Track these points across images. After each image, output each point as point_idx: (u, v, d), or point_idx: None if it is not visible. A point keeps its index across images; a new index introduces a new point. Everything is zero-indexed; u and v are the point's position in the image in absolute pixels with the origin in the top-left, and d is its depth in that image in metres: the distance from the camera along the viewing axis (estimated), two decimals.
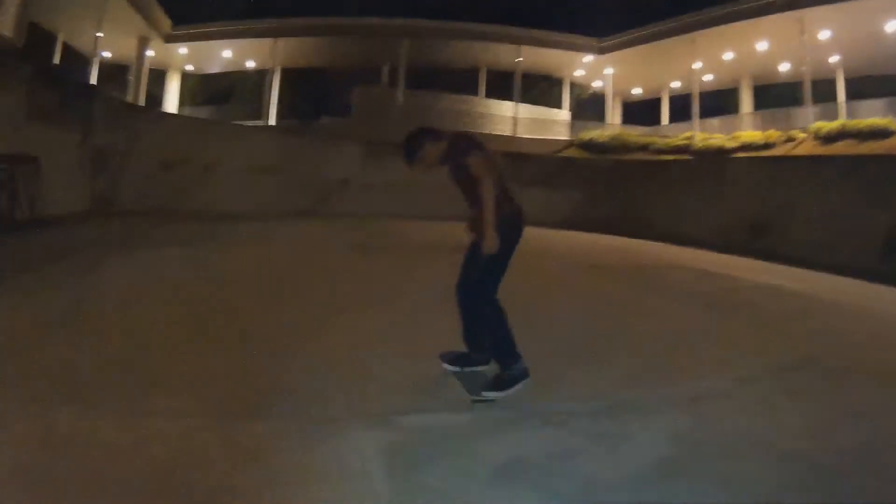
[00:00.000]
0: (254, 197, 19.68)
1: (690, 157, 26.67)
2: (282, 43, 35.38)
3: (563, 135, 36.31)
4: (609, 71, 36.65)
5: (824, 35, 26.59)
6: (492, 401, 3.85)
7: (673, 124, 36.73)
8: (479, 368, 4.30)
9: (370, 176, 22.64)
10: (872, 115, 23.97)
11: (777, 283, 10.62)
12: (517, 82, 36.15)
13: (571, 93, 41.57)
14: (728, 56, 30.97)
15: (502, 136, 33.39)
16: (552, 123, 37.26)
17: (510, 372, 3.97)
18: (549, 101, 40.29)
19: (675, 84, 37.87)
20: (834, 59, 28.41)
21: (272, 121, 36.39)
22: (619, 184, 23.39)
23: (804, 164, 20.23)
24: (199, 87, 42.26)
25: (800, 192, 19.03)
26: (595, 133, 33.78)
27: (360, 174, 22.72)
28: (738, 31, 28.46)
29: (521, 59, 35.55)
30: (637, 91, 40.51)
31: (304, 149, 22.22)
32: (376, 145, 23.75)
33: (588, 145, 32.48)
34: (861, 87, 28.98)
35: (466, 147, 4.20)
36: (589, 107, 42.23)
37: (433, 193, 23.79)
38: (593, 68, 37.79)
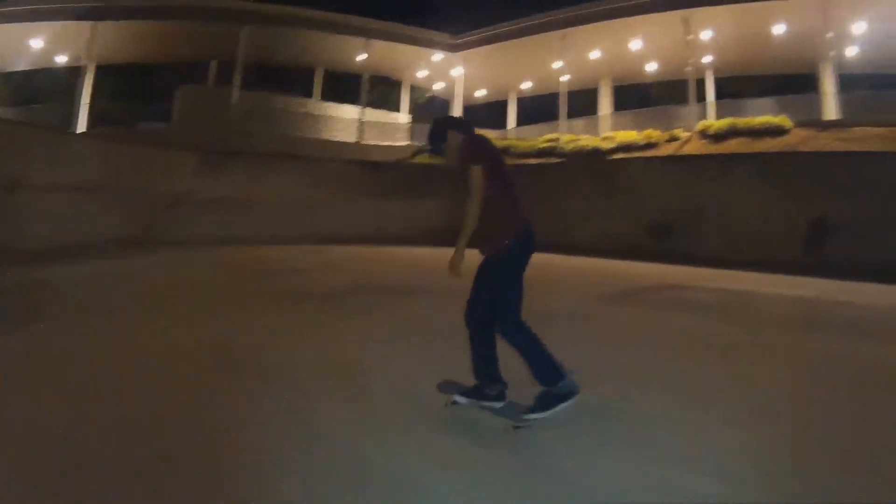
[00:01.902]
0: (68, 223, 14.60)
1: (561, 160, 23.53)
2: (100, 30, 27.03)
3: (405, 140, 31.58)
4: (459, 71, 32.28)
5: (706, 35, 24.38)
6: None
7: (521, 127, 33.54)
8: (493, 404, 3.98)
9: (208, 191, 18.55)
10: (758, 113, 21.84)
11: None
12: (364, 83, 30.80)
13: (411, 96, 37.27)
14: (594, 55, 27.79)
15: (347, 143, 28.40)
16: (394, 129, 32.53)
17: (555, 388, 3.80)
18: (388, 105, 35.54)
19: (526, 85, 34.68)
20: (708, 58, 26.15)
21: (83, 127, 28.43)
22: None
23: (712, 163, 18.88)
24: None
25: (709, 191, 18.17)
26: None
27: (197, 189, 18.44)
28: (612, 28, 25.51)
29: (366, 56, 30.11)
30: (481, 93, 36.58)
31: (127, 160, 17.40)
32: (213, 154, 19.49)
33: None
34: (736, 87, 27.76)
35: (477, 152, 3.95)
36: (428, 110, 38.46)
37: (284, 210, 19.72)
38: (439, 69, 33.24)
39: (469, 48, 31.06)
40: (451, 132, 4.12)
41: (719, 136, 20.87)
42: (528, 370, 3.86)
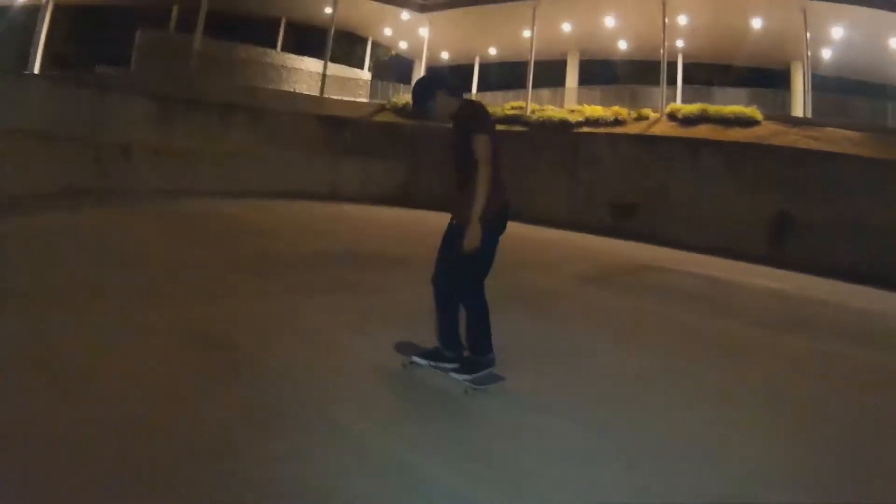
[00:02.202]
0: (13, 170, 13.08)
1: (525, 129, 22.83)
2: None
3: (365, 97, 30.62)
4: (425, 32, 31.04)
5: (680, 19, 23.85)
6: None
7: (485, 92, 32.30)
8: (450, 366, 3.96)
9: (165, 140, 17.30)
10: (727, 102, 21.61)
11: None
12: (329, 36, 28.94)
13: (373, 53, 35.90)
14: (564, 27, 26.90)
15: (308, 96, 27.08)
16: (356, 85, 31.43)
17: (482, 357, 3.89)
18: (351, 61, 34.00)
19: (492, 51, 33.55)
20: (680, 43, 25.79)
21: (37, 70, 26.52)
22: (446, 153, 19.34)
23: (681, 147, 18.42)
24: None
25: (676, 174, 17.86)
26: (410, 97, 27.78)
27: (153, 138, 17.12)
28: (584, 1, 24.74)
29: (332, 9, 28.31)
30: (446, 56, 35.28)
31: (82, 105, 16.15)
32: (171, 102, 18.30)
33: (404, 110, 26.55)
34: (706, 74, 27.49)
35: (482, 121, 3.86)
36: (389, 69, 37.67)
37: (241, 163, 18.72)
38: (405, 28, 31.92)
39: (437, 10, 29.85)
40: (440, 93, 3.96)
41: (689, 121, 20.50)
42: (466, 334, 3.97)
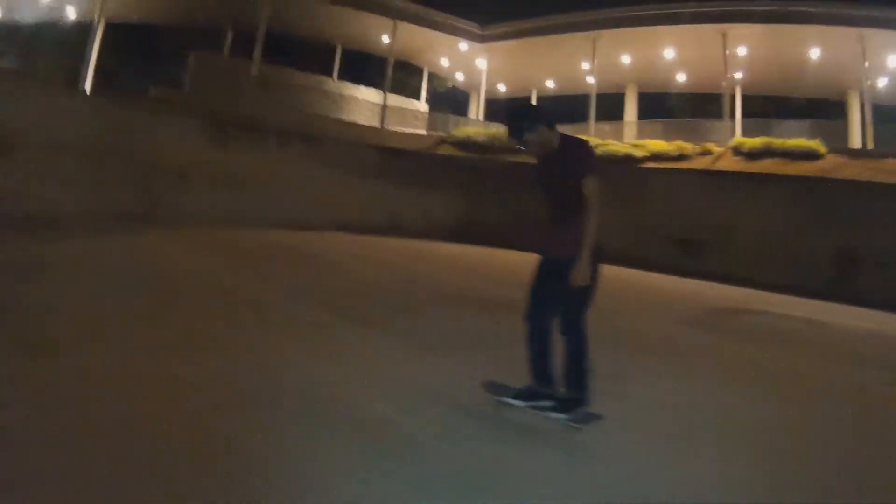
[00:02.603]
0: (60, 189, 13.61)
1: None
2: None
3: (422, 129, 30.31)
4: (483, 63, 31.68)
5: (739, 51, 24.44)
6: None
7: None
8: (548, 405, 3.94)
9: (220, 165, 17.60)
10: (786, 134, 22.16)
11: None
12: (388, 66, 29.39)
13: (429, 84, 36.23)
14: (622, 59, 27.58)
15: (368, 126, 27.02)
16: (413, 116, 31.13)
17: (580, 395, 3.86)
18: (406, 91, 34.08)
19: (549, 83, 34.10)
20: (738, 75, 26.26)
21: (88, 87, 26.69)
22: (509, 188, 20.13)
23: (747, 182, 18.78)
24: None
25: (742, 209, 17.86)
26: (471, 130, 28.21)
27: (208, 163, 17.46)
28: (642, 35, 25.50)
29: (390, 37, 29.01)
30: (502, 88, 35.88)
31: (131, 124, 16.32)
32: (226, 127, 18.47)
33: (464, 143, 26.74)
34: (761, 106, 27.75)
35: (591, 163, 3.99)
36: (445, 100, 38.11)
37: (295, 192, 19.08)
38: (463, 58, 32.38)
39: (496, 40, 30.32)
40: (542, 128, 3.98)
41: (754, 155, 20.84)
42: (564, 371, 3.92)
